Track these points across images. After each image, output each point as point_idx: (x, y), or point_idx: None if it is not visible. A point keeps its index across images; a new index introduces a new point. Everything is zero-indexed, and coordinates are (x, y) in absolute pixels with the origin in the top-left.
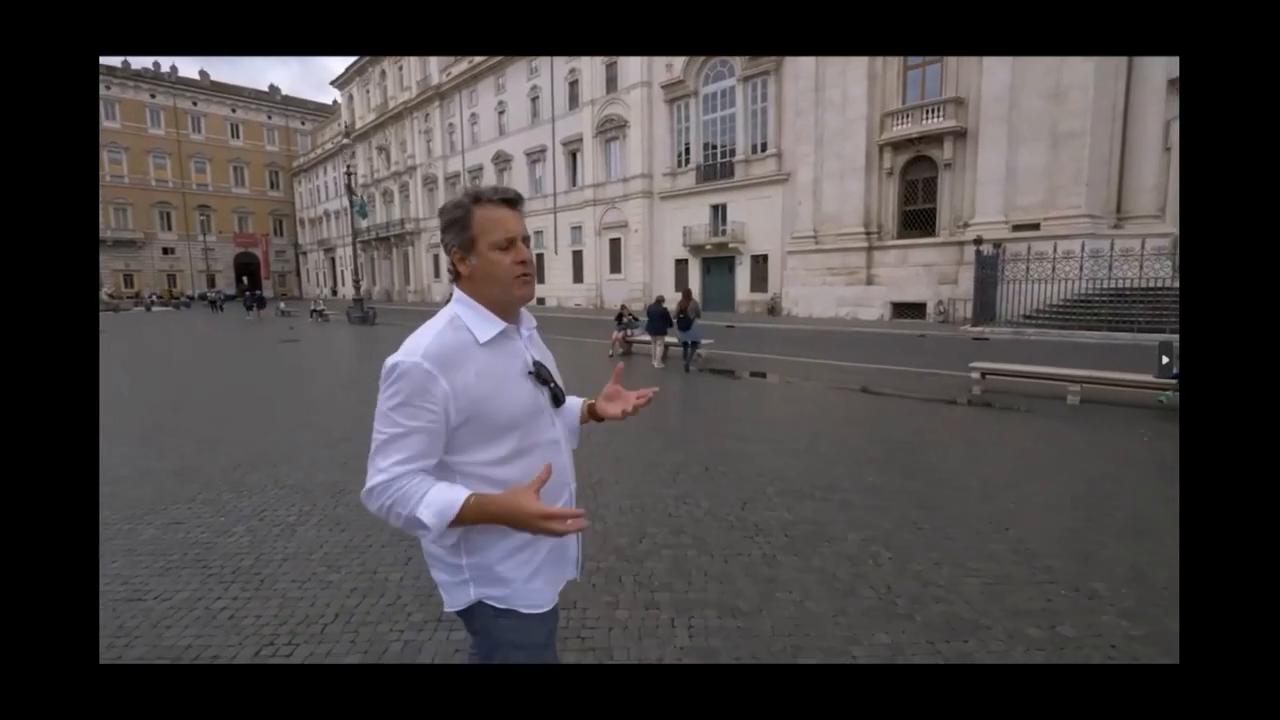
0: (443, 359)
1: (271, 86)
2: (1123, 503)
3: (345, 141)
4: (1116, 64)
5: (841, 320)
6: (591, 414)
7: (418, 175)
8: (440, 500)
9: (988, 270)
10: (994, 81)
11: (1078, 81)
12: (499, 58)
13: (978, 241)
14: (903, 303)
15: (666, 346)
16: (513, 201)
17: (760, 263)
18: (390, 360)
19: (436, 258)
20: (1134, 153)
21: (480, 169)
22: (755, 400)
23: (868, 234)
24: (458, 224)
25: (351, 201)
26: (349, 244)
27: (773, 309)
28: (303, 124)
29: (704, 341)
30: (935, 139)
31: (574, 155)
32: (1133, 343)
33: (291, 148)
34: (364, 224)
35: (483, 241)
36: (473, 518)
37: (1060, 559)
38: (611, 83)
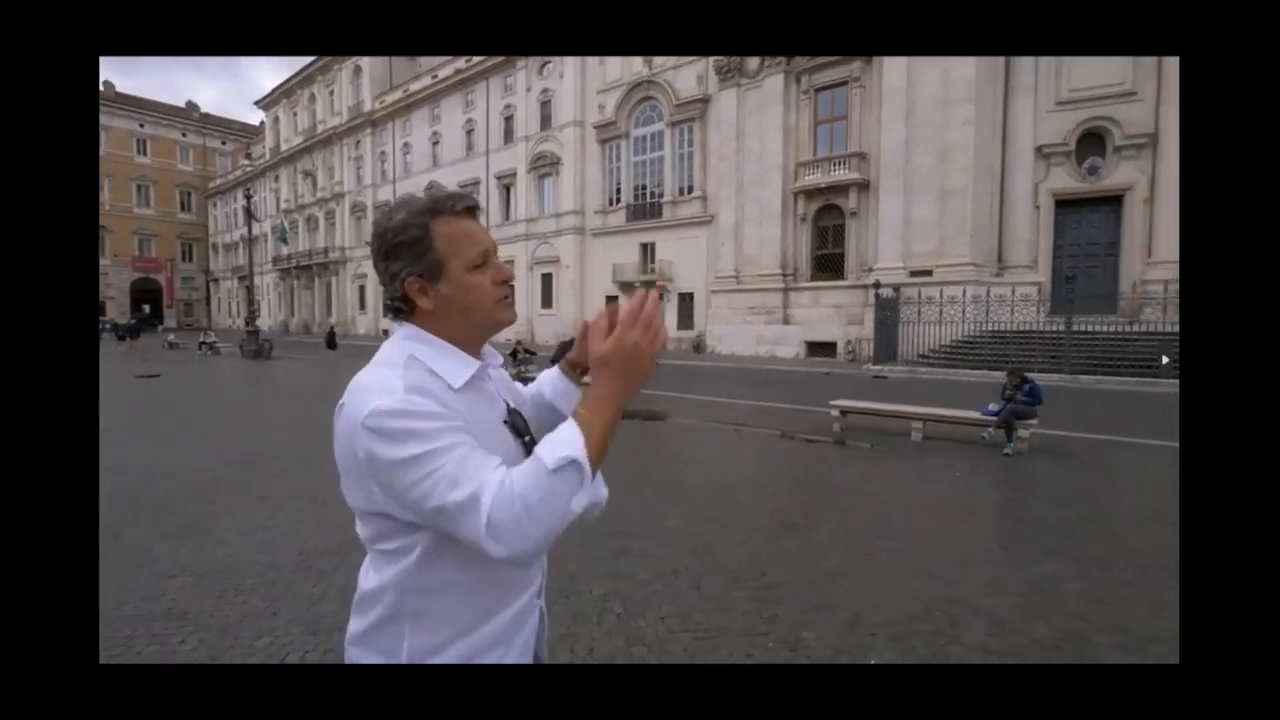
0: (430, 396)
1: (190, 103)
2: (893, 543)
3: (267, 162)
4: (993, 128)
5: (760, 358)
6: (574, 368)
7: (345, 203)
8: (559, 438)
9: (887, 312)
10: (891, 138)
11: (960, 143)
12: (434, 88)
13: (877, 285)
14: (816, 341)
15: None
16: (475, 209)
17: (687, 301)
18: (378, 406)
19: (362, 289)
20: (1010, 209)
21: None
22: (623, 439)
23: (784, 275)
24: (412, 247)
25: (249, 227)
26: (265, 272)
27: (698, 346)
28: (223, 144)
29: None
30: (842, 189)
31: (508, 189)
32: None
33: (209, 168)
34: (285, 250)
35: (455, 263)
36: (605, 409)
37: (798, 609)
38: (546, 120)
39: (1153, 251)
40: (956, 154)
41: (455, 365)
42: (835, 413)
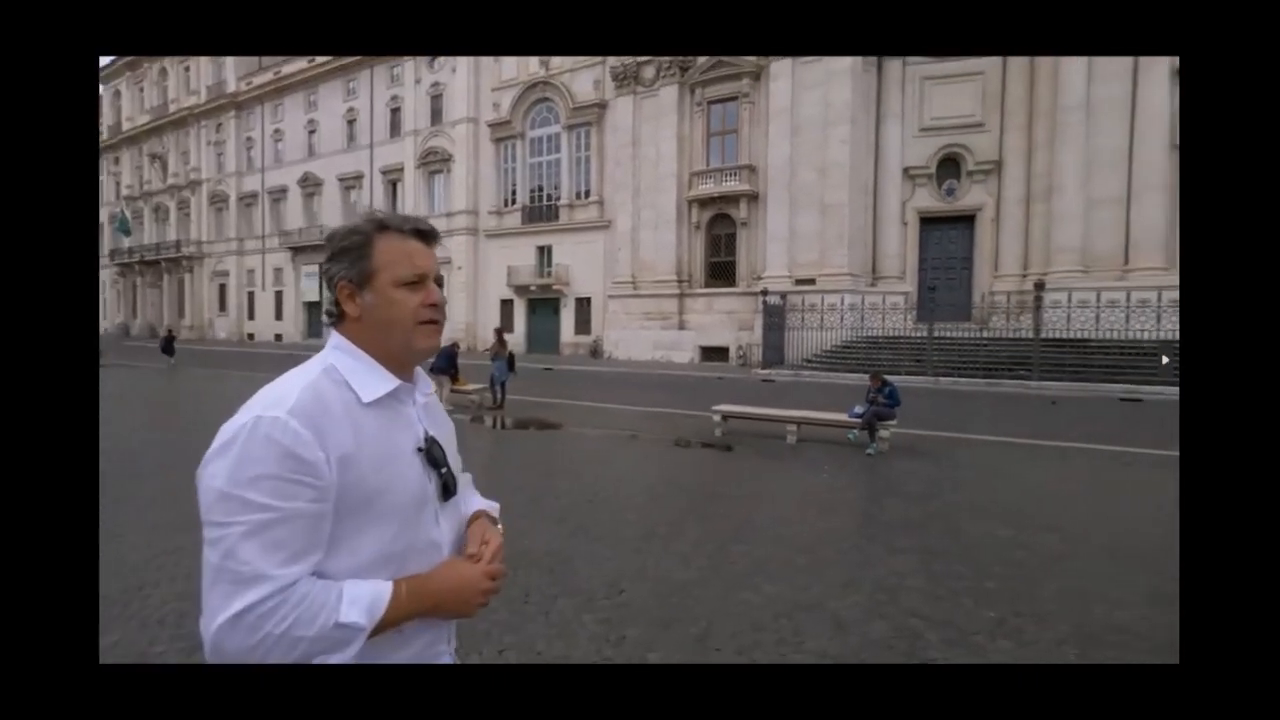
0: (316, 419)
1: None
2: (753, 549)
3: (105, 142)
4: (868, 149)
5: (657, 363)
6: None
7: (203, 191)
8: (365, 592)
9: (775, 318)
10: (777, 154)
11: (838, 161)
12: (310, 72)
13: (764, 293)
14: (710, 347)
15: (449, 389)
16: (427, 236)
17: (584, 305)
18: (237, 420)
19: (223, 288)
20: (883, 224)
21: (284, 190)
22: (509, 451)
23: (679, 282)
24: (351, 253)
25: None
26: (103, 267)
27: (595, 351)
28: None
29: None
30: (733, 199)
31: (394, 185)
32: None
33: None
34: (126, 243)
35: (384, 275)
36: (408, 608)
37: (648, 627)
38: (437, 115)
39: (999, 265)
40: (835, 171)
41: (372, 380)
42: (717, 418)
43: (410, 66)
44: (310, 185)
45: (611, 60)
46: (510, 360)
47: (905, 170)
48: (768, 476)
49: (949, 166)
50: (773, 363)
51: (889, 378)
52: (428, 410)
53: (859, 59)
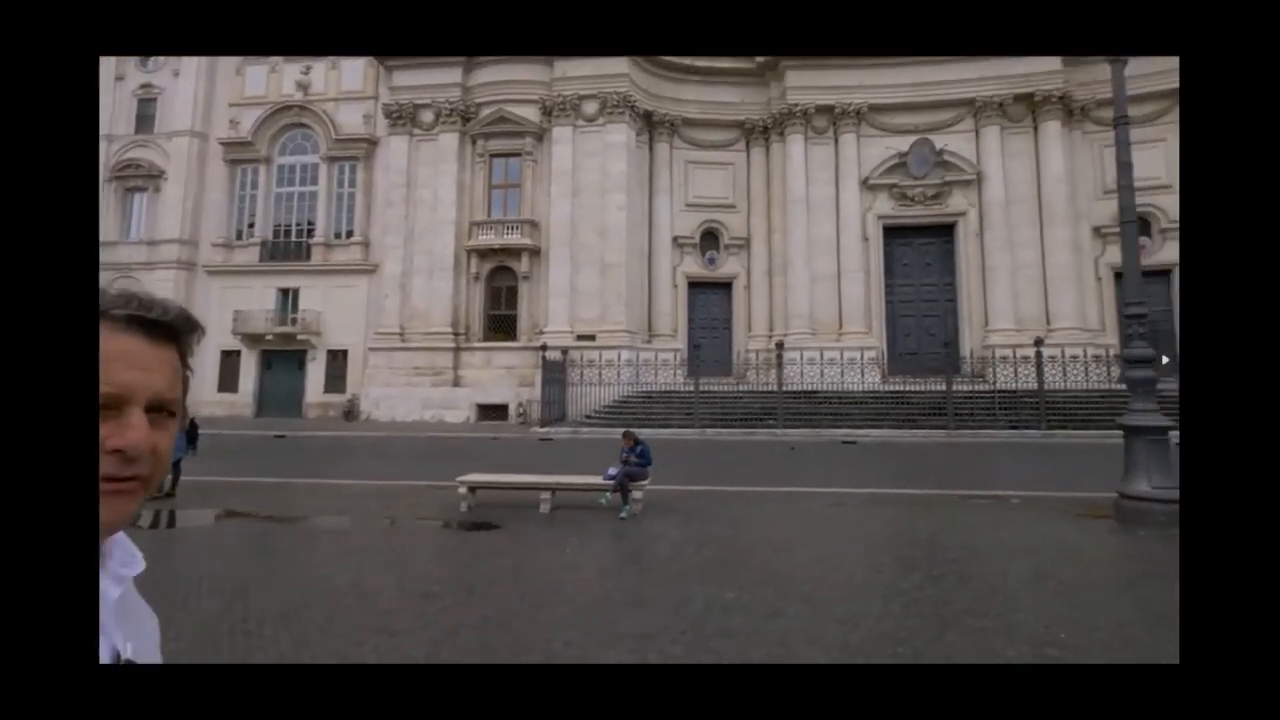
0: None
1: None
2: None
3: None
4: (643, 217)
5: (426, 424)
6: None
7: None
8: None
9: (555, 374)
10: (559, 212)
11: (615, 225)
12: None
13: (543, 348)
14: (488, 404)
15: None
16: (159, 329)
17: (338, 359)
18: None
19: None
20: (657, 285)
21: None
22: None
23: (456, 334)
24: None
25: None
26: None
27: (350, 412)
28: None
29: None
30: (515, 252)
31: None
32: (652, 437)
33: None
34: None
35: None
36: None
37: None
38: (145, 122)
39: (752, 327)
40: (614, 234)
41: None
42: (463, 489)
43: (113, 61)
44: None
45: (384, 97)
46: (191, 430)
47: (675, 239)
48: (506, 558)
49: (710, 238)
50: (553, 420)
51: (640, 435)
52: (124, 606)
53: (632, 134)
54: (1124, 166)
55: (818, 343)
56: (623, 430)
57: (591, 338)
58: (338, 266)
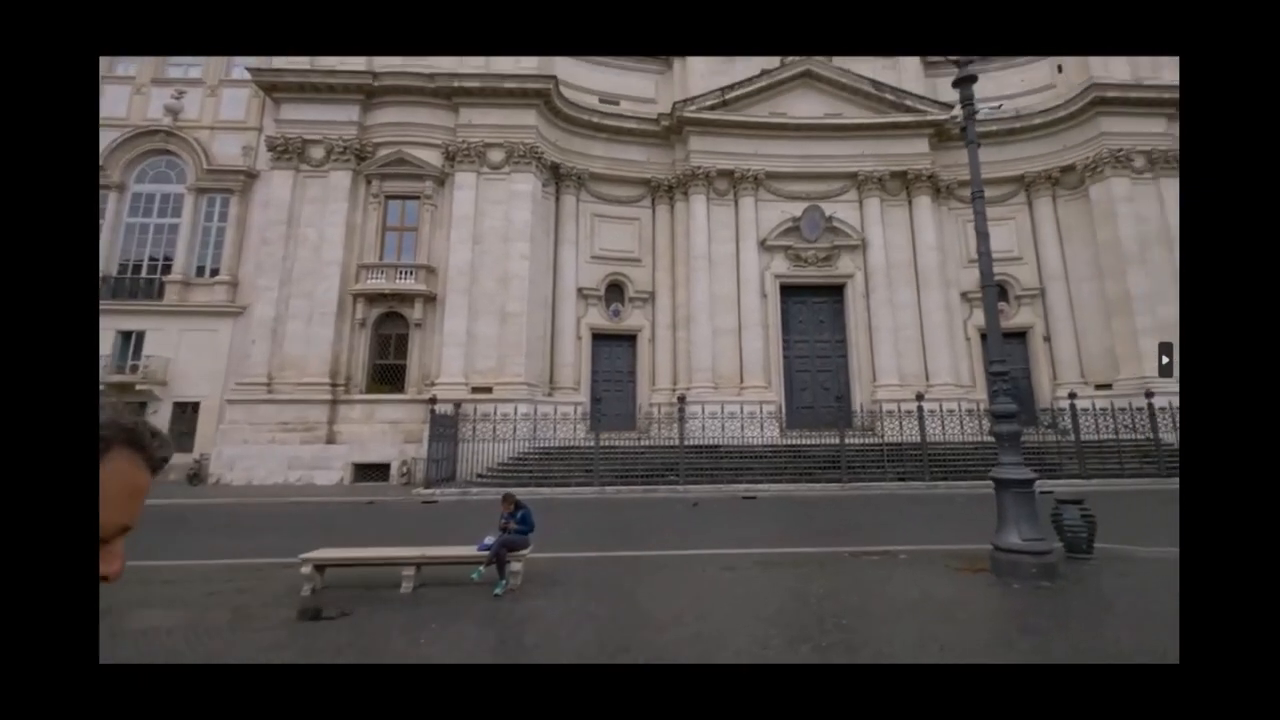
0: None
1: None
2: None
3: None
4: (547, 267)
5: (290, 487)
6: None
7: None
8: None
9: (445, 429)
10: (459, 258)
11: (518, 274)
12: None
13: (433, 401)
14: (367, 463)
15: None
16: (160, 466)
17: (187, 413)
18: None
19: None
20: (560, 337)
21: None
22: None
23: (334, 385)
24: None
25: None
26: None
27: (196, 475)
28: None
29: None
30: (408, 298)
31: None
32: (549, 496)
33: None
34: None
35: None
36: None
37: None
38: None
39: (656, 380)
40: (516, 283)
41: None
42: (307, 569)
43: None
44: None
45: (270, 129)
46: None
47: (580, 290)
48: (345, 652)
49: (616, 291)
50: (440, 480)
51: (538, 494)
52: None
53: (539, 185)
54: (982, 236)
55: (720, 396)
56: (503, 493)
57: (488, 390)
58: (197, 307)
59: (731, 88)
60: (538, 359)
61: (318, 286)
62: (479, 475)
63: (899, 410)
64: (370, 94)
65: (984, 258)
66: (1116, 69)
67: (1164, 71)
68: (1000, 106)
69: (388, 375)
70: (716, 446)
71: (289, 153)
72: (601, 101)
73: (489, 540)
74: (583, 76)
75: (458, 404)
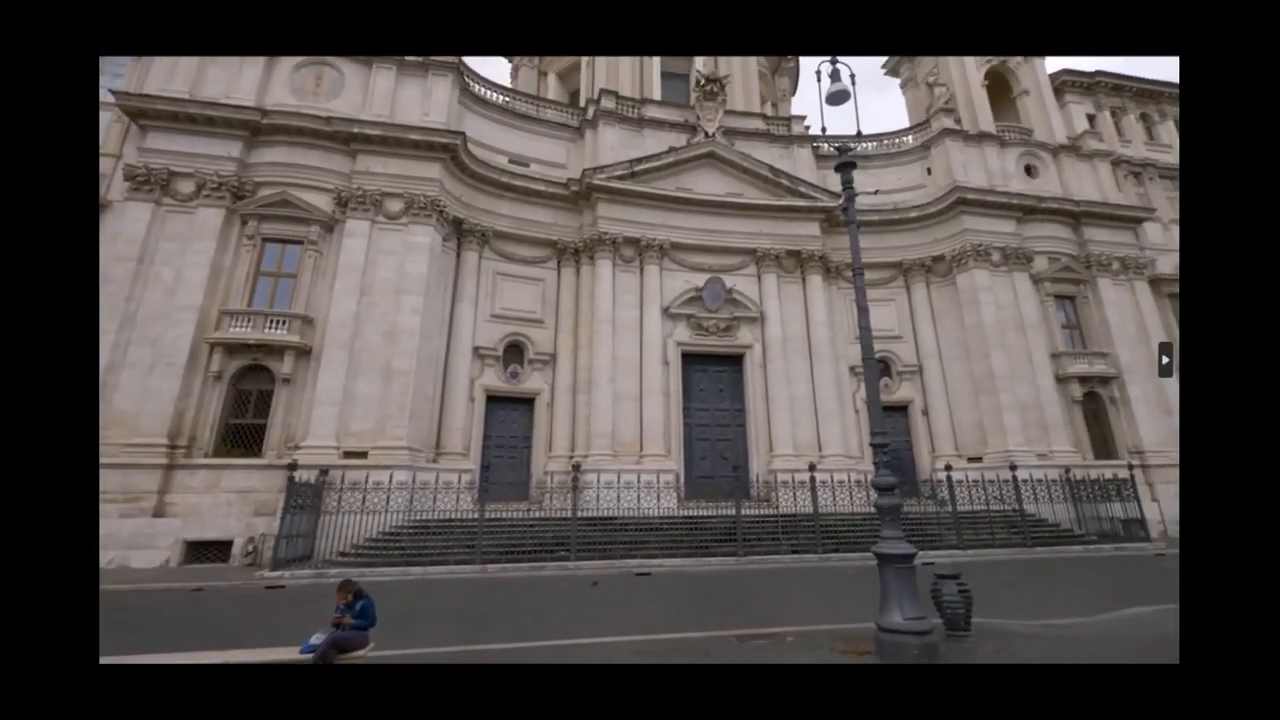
0: None
1: None
2: None
3: None
4: (441, 323)
5: (100, 570)
6: None
7: None
8: None
9: (306, 500)
10: (342, 309)
11: (409, 328)
12: None
13: (292, 467)
14: (203, 541)
15: None
16: None
17: None
18: None
19: None
20: (451, 398)
21: None
22: None
23: (172, 448)
24: None
25: None
26: None
27: None
28: None
29: None
30: (277, 350)
31: None
32: (422, 577)
33: None
34: None
35: None
36: None
37: None
38: None
39: (553, 446)
40: (405, 338)
41: None
42: None
43: None
44: None
45: (130, 158)
46: None
47: (476, 349)
48: None
49: (515, 351)
50: (292, 559)
51: (410, 574)
52: None
53: (439, 238)
54: (862, 311)
55: (618, 465)
56: (341, 579)
57: (363, 455)
58: None
59: (640, 161)
60: (424, 421)
61: (167, 333)
62: (342, 553)
63: (793, 480)
64: (257, 131)
65: (865, 332)
66: (975, 175)
67: (1012, 181)
68: (877, 192)
69: (243, 437)
70: (612, 518)
71: (150, 184)
72: (511, 161)
73: (316, 639)
74: (493, 136)
75: (324, 470)
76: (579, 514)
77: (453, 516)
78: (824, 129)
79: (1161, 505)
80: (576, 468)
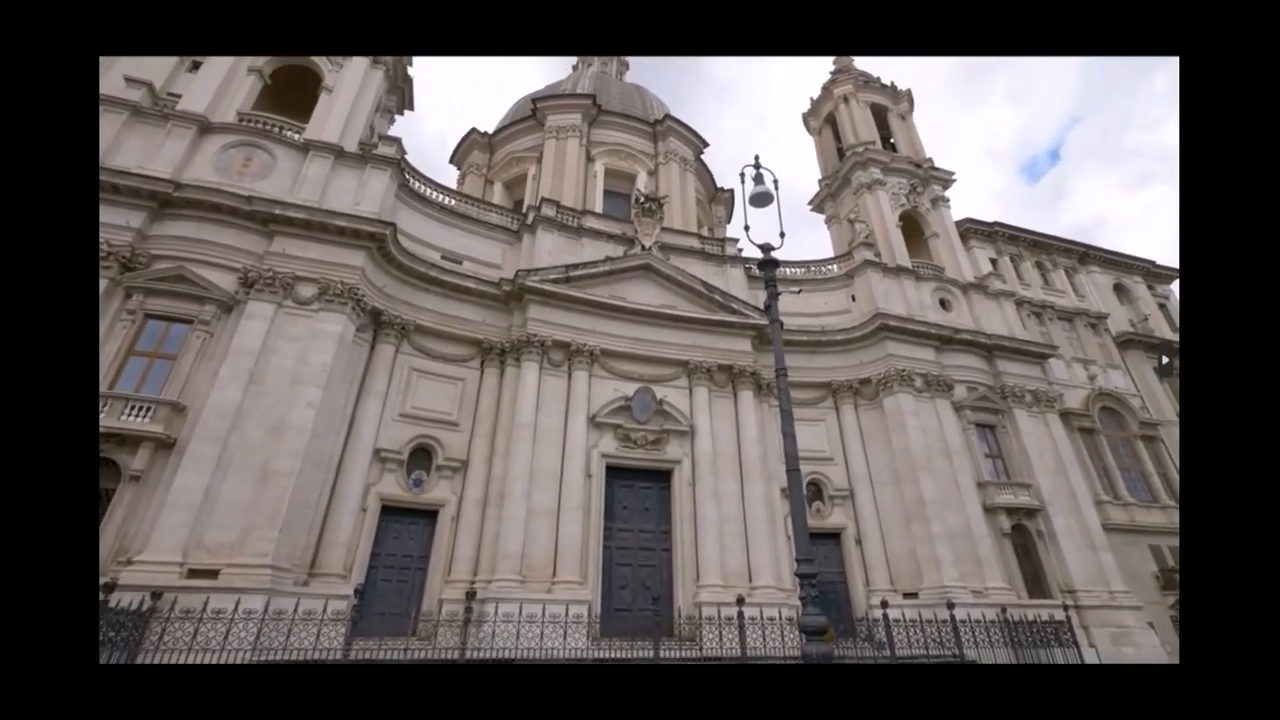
0: None
1: None
2: None
3: None
4: (340, 420)
5: None
6: None
7: None
8: None
9: (121, 634)
10: (224, 398)
11: (299, 424)
12: None
13: (108, 588)
14: None
15: None
16: None
17: None
18: None
19: None
20: (339, 505)
21: None
22: None
23: None
24: None
25: None
26: None
27: None
28: None
29: None
30: (131, 441)
31: None
32: None
33: None
34: None
35: None
36: None
37: None
38: None
39: (453, 569)
40: (294, 435)
41: None
42: None
43: None
44: None
45: None
46: None
47: (378, 451)
48: None
49: (422, 456)
50: None
51: None
52: None
53: (352, 328)
54: (786, 414)
55: (526, 593)
56: None
57: (214, 574)
58: None
59: (577, 266)
60: (300, 533)
61: None
62: None
63: (719, 616)
64: (166, 203)
65: (789, 439)
66: (895, 304)
67: (929, 312)
68: (800, 290)
69: None
70: (510, 661)
71: None
72: (444, 258)
73: None
74: (429, 232)
75: (156, 593)
76: (471, 655)
77: (310, 659)
78: (746, 226)
79: (1099, 651)
80: (470, 596)
